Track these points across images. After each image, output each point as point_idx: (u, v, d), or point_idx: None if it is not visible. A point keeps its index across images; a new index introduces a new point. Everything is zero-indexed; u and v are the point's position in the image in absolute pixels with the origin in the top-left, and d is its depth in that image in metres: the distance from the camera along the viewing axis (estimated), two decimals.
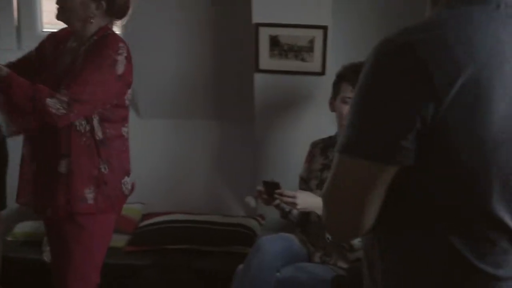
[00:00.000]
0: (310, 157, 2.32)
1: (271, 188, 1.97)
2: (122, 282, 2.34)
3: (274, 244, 2.18)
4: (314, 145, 2.32)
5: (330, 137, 2.28)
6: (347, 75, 2.21)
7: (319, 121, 2.40)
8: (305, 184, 2.29)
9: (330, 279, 2.08)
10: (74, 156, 1.87)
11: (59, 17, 1.87)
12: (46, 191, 1.94)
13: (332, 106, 2.24)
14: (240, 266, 2.19)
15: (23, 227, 2.50)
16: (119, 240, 2.41)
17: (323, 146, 2.31)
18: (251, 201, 2.36)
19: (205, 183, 2.77)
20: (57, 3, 1.86)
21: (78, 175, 1.88)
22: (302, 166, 2.34)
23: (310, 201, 2.08)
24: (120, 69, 1.79)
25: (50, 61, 1.94)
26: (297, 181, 2.28)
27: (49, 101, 1.75)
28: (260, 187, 2.06)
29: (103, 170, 1.90)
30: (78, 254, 1.96)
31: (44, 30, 2.53)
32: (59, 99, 1.75)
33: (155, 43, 2.52)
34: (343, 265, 2.20)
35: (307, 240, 2.30)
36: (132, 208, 2.47)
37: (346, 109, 2.16)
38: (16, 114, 1.82)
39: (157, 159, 2.72)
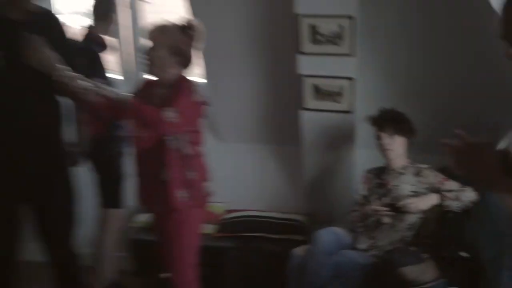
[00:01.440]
0: (367, 180, 2.66)
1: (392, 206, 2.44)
2: (212, 260, 2.68)
3: (327, 236, 2.54)
4: (369, 171, 2.67)
5: (381, 167, 2.62)
6: (385, 126, 2.53)
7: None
8: (364, 199, 2.63)
9: (366, 263, 2.45)
10: (169, 168, 2.15)
11: (150, 71, 2.18)
12: (154, 194, 2.23)
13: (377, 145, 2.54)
14: (295, 249, 2.60)
15: (142, 218, 3.01)
16: (210, 229, 2.93)
17: (377, 172, 2.64)
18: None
19: (271, 189, 3.24)
20: (147, 61, 2.17)
21: (172, 182, 2.15)
22: (360, 187, 2.66)
23: (419, 203, 2.44)
24: (198, 98, 2.12)
25: (145, 101, 2.19)
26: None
27: (165, 113, 2.02)
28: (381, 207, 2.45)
29: (189, 176, 2.19)
30: (177, 245, 2.25)
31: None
32: (172, 112, 2.02)
33: (233, 82, 2.95)
34: (387, 247, 2.49)
35: (363, 231, 2.58)
36: (217, 205, 3.02)
37: (389, 153, 2.54)
38: (143, 129, 2.12)
39: (236, 172, 3.18)
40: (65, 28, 2.26)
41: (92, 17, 2.70)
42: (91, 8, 2.71)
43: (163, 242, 2.26)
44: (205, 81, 2.94)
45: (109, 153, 2.73)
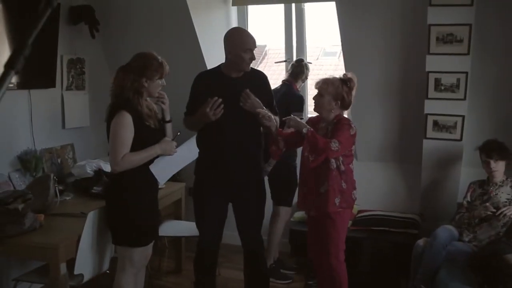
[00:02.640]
0: (472, 189, 3.12)
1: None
2: (351, 247, 2.93)
3: (443, 232, 2.94)
4: (473, 183, 3.14)
5: (483, 180, 3.08)
6: (491, 154, 2.97)
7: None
8: (469, 204, 3.04)
9: (470, 251, 2.84)
10: (329, 182, 2.58)
11: (315, 110, 2.70)
12: (313, 201, 2.67)
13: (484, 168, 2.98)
14: (418, 241, 3.03)
15: (298, 214, 3.81)
16: (349, 224, 3.27)
17: (480, 184, 3.10)
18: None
19: (394, 195, 3.87)
20: (315, 103, 2.68)
21: (331, 191, 2.57)
22: (465, 195, 3.11)
23: None
24: (353, 131, 2.60)
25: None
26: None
27: (333, 143, 2.47)
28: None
29: (343, 186, 2.60)
30: (333, 236, 2.60)
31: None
32: (336, 143, 2.47)
33: (371, 117, 3.68)
34: (485, 240, 2.86)
35: (467, 228, 2.97)
36: (355, 207, 3.37)
37: (493, 174, 2.98)
38: (313, 153, 2.49)
39: (369, 182, 3.80)
40: (268, 81, 2.91)
41: (289, 73, 3.72)
42: (289, 70, 3.73)
43: (319, 234, 2.65)
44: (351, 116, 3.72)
45: (288, 168, 3.56)
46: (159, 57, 2.49)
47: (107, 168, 3.45)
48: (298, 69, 3.73)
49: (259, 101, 2.72)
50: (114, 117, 2.38)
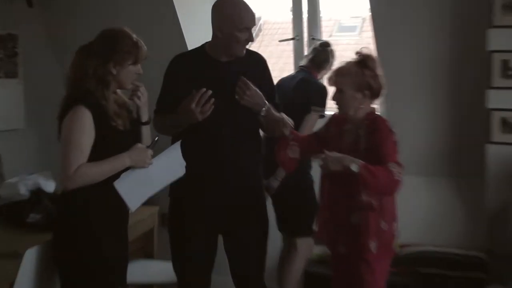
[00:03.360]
0: None
1: None
2: None
3: None
4: None
5: None
6: None
7: None
8: None
9: None
10: (364, 213, 2.58)
11: (339, 111, 2.73)
12: (335, 235, 2.68)
13: None
14: None
15: (318, 250, 3.74)
16: None
17: None
18: None
19: (449, 223, 3.85)
20: (336, 103, 2.72)
21: (365, 232, 2.57)
22: None
23: None
24: (395, 137, 2.60)
25: (334, 139, 2.75)
26: None
27: (394, 170, 2.49)
28: None
29: (383, 227, 2.60)
30: (369, 283, 2.62)
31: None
32: (396, 167, 2.49)
33: (412, 115, 3.74)
34: None
35: None
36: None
37: None
38: (378, 191, 2.53)
39: (413, 204, 3.72)
40: (268, 67, 3.03)
41: (310, 60, 3.79)
42: (310, 54, 3.80)
43: (349, 280, 2.70)
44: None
45: (303, 183, 3.59)
46: (134, 35, 2.52)
47: (49, 187, 3.41)
48: (322, 56, 3.82)
49: (260, 93, 2.77)
50: (68, 114, 2.40)
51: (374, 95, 2.71)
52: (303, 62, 3.88)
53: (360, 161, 2.51)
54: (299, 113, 3.51)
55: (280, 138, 2.86)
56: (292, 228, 3.72)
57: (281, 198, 3.63)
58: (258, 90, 2.76)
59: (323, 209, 2.83)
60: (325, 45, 3.86)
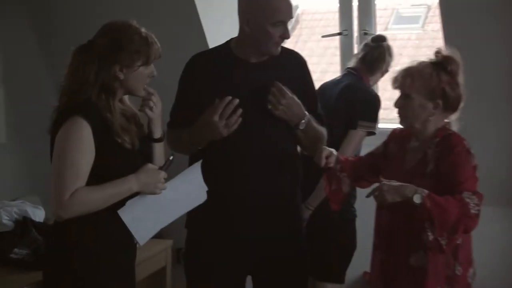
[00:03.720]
0: None
1: None
2: None
3: None
4: None
5: None
6: None
7: None
8: None
9: None
10: (430, 258, 2.55)
11: (402, 123, 2.72)
12: (394, 280, 2.68)
13: None
14: None
15: None
16: None
17: None
18: None
19: None
20: (398, 112, 2.70)
21: (432, 277, 2.56)
22: None
23: None
24: (474, 161, 2.59)
25: (394, 161, 2.77)
26: None
27: (470, 201, 2.47)
28: None
29: (457, 272, 2.59)
30: None
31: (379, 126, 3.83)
32: (473, 198, 2.48)
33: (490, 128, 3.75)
34: None
35: None
36: None
37: None
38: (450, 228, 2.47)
39: (495, 246, 3.86)
40: (309, 69, 3.06)
41: (360, 59, 3.76)
42: (360, 52, 3.78)
43: None
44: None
45: (343, 216, 3.55)
46: (143, 29, 2.54)
47: (37, 214, 3.46)
48: (376, 54, 3.74)
49: (299, 102, 2.80)
50: (61, 127, 2.41)
51: (449, 107, 2.70)
52: (351, 63, 3.84)
53: (425, 190, 2.49)
54: (342, 129, 3.50)
55: (326, 169, 2.88)
56: (322, 271, 3.66)
57: (312, 232, 3.48)
58: (296, 98, 2.78)
59: (378, 248, 2.84)
60: (380, 40, 3.80)
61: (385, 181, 2.58)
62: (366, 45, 3.81)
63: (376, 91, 3.89)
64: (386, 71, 3.76)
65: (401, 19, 6.08)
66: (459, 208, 2.47)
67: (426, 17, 6.03)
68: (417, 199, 2.47)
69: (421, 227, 2.52)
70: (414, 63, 2.72)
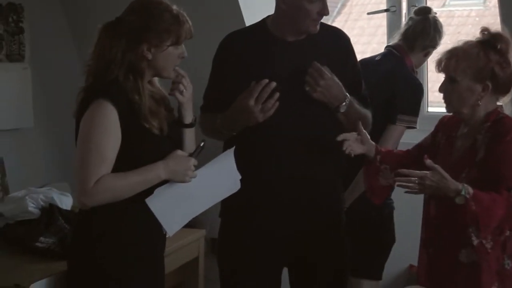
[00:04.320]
0: None
1: None
2: None
3: None
4: None
5: None
6: None
7: None
8: None
9: None
10: (481, 254, 2.56)
11: (449, 109, 2.73)
12: (444, 280, 2.69)
13: None
14: None
15: None
16: None
17: None
18: None
19: None
20: (444, 97, 2.72)
21: (485, 271, 2.57)
22: None
23: None
24: None
25: (443, 150, 2.78)
26: None
27: None
28: None
29: (506, 266, 2.60)
30: None
31: (430, 110, 3.86)
32: None
33: None
34: None
35: None
36: None
37: None
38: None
39: None
40: (353, 48, 3.05)
41: (402, 36, 3.63)
42: (406, 25, 3.66)
43: None
44: None
45: (381, 210, 3.53)
46: (174, 7, 2.54)
47: (65, 202, 3.48)
48: (419, 28, 3.58)
49: (340, 83, 2.79)
50: (87, 111, 2.42)
51: (500, 89, 2.68)
52: (394, 40, 3.71)
53: (470, 190, 2.49)
54: (381, 120, 3.35)
55: (366, 161, 2.89)
56: (359, 267, 3.55)
57: (349, 227, 3.41)
58: (336, 79, 2.78)
59: (426, 242, 2.84)
60: (424, 12, 3.64)
61: (428, 174, 2.53)
62: (410, 18, 3.68)
63: (421, 75, 3.81)
64: (433, 48, 3.61)
65: None
66: (505, 209, 2.49)
67: None
68: (459, 200, 2.48)
69: (467, 223, 2.55)
70: (460, 43, 2.71)
